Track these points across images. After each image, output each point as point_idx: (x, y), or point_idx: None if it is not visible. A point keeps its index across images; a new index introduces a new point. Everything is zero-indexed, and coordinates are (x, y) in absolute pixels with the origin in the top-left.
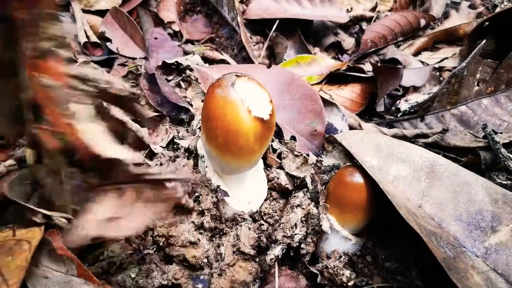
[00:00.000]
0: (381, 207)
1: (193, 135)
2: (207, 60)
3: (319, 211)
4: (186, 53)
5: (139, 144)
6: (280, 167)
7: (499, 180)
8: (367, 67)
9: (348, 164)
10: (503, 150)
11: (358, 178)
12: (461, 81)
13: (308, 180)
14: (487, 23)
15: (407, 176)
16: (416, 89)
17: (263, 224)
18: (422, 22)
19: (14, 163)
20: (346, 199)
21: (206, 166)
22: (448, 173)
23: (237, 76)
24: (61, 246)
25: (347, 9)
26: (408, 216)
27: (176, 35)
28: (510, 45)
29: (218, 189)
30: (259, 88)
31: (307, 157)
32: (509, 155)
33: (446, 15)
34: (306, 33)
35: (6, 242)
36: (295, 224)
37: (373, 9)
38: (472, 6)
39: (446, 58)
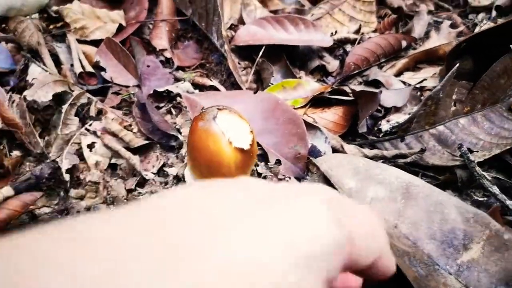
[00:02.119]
0: None
1: (182, 162)
2: (197, 86)
3: None
4: (177, 79)
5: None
6: None
7: (476, 197)
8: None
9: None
10: (477, 168)
11: None
12: (437, 103)
13: None
14: (464, 44)
15: (384, 197)
16: (397, 109)
17: None
18: (404, 43)
19: (11, 190)
20: None
21: None
22: (423, 194)
23: (218, 109)
24: None
25: (332, 33)
26: None
27: (168, 62)
28: (488, 65)
29: None
30: (239, 120)
31: (289, 180)
32: (483, 173)
33: (428, 35)
34: (292, 57)
35: None
36: None
37: (357, 31)
38: (453, 26)
39: (425, 79)
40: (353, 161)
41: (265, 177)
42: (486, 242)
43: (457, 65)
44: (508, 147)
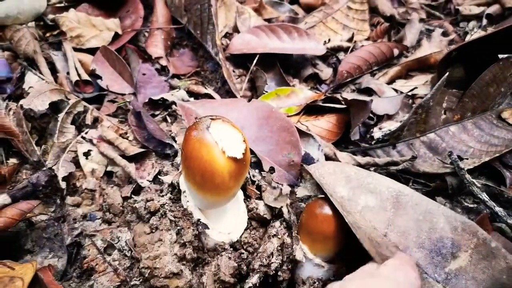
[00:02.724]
0: (352, 236)
1: (177, 169)
2: (192, 94)
3: (293, 241)
4: (172, 87)
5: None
6: (259, 198)
7: (466, 204)
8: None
9: (319, 196)
10: (467, 176)
11: (327, 210)
12: (428, 111)
13: (285, 210)
14: (455, 52)
15: (374, 206)
16: (390, 116)
17: (243, 253)
18: (396, 51)
19: (8, 198)
20: (317, 230)
21: (188, 201)
22: (412, 203)
23: (212, 119)
24: (52, 281)
25: (325, 41)
26: (370, 247)
27: (163, 70)
28: (478, 73)
29: (198, 223)
30: (232, 129)
31: (283, 187)
32: (473, 180)
33: (419, 43)
34: (286, 65)
35: (1, 279)
36: (272, 253)
37: (350, 39)
38: (444, 34)
39: (417, 87)
40: (345, 169)
41: (259, 185)
42: (474, 250)
43: (447, 74)
44: (497, 155)
